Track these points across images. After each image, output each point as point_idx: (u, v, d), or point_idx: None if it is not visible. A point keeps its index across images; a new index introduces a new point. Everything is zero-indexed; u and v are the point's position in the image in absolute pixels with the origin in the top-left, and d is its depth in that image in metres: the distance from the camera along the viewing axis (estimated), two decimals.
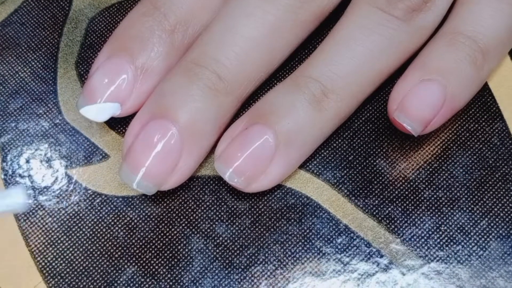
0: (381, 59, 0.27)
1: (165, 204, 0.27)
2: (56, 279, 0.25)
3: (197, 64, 0.26)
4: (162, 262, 0.26)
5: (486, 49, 0.27)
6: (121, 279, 0.25)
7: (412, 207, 0.27)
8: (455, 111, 0.27)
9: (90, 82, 0.27)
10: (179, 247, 0.26)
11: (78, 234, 0.26)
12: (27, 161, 0.28)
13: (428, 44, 0.27)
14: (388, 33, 0.26)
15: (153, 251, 0.26)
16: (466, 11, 0.27)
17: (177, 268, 0.26)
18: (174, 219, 0.26)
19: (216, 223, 0.26)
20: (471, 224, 0.26)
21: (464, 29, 0.27)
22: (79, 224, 0.26)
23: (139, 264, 0.26)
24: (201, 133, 0.26)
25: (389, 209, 0.27)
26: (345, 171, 0.27)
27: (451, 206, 0.27)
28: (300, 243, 0.26)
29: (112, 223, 0.26)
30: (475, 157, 0.27)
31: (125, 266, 0.26)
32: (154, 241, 0.26)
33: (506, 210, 0.26)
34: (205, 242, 0.26)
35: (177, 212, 0.27)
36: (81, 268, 0.26)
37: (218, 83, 0.26)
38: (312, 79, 0.26)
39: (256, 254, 0.26)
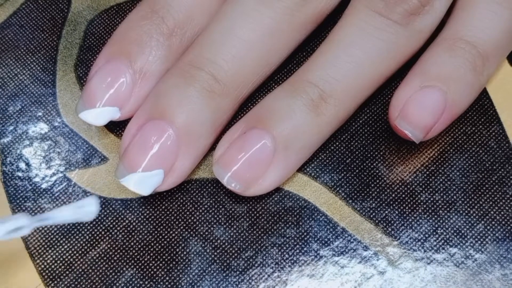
0: (379, 63, 0.27)
1: (163, 207, 0.27)
2: (55, 282, 0.26)
3: (193, 65, 0.26)
4: (161, 264, 0.26)
5: (486, 55, 0.27)
6: (120, 282, 0.26)
7: (409, 210, 0.27)
8: (455, 117, 0.27)
9: (88, 86, 0.27)
10: (177, 249, 0.26)
11: (77, 237, 0.26)
12: (27, 164, 0.28)
13: (428, 49, 0.27)
14: (386, 37, 0.26)
15: (151, 254, 0.26)
16: (466, 16, 0.27)
17: (176, 270, 0.26)
18: (172, 222, 0.27)
19: (214, 225, 0.26)
20: (467, 227, 0.26)
21: (463, 35, 0.27)
22: (78, 227, 0.27)
23: (137, 267, 0.26)
24: (197, 135, 0.26)
25: (386, 212, 0.27)
26: (342, 174, 0.27)
27: (448, 209, 0.27)
28: (297, 246, 0.26)
29: (111, 225, 0.27)
30: (471, 160, 0.28)
31: (124, 269, 0.26)
32: (152, 244, 0.26)
33: (502, 213, 0.27)
34: (203, 245, 0.26)
35: (175, 214, 0.27)
36: (80, 270, 0.26)
37: (214, 85, 0.26)
38: (310, 83, 0.26)
39: (253, 257, 0.26)
